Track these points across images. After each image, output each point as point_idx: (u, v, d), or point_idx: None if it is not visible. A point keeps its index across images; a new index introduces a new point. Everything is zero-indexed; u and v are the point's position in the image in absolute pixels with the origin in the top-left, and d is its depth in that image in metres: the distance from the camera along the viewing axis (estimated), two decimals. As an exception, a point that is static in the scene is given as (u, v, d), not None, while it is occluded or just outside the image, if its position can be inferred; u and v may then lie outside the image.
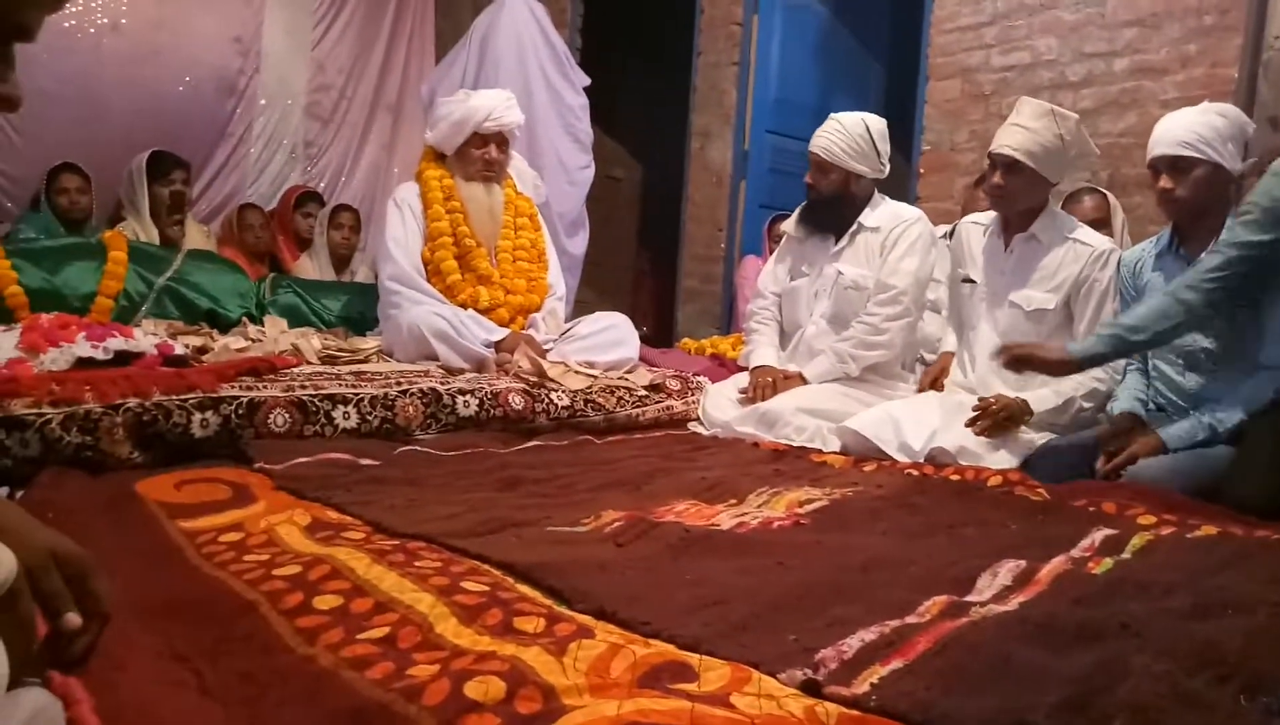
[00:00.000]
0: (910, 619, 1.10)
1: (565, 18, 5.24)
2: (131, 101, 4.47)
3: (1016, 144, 2.37)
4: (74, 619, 0.85)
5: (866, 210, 2.79)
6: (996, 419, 2.24)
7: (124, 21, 4.52)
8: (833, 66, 4.97)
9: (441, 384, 2.29)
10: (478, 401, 2.30)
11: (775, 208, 4.55)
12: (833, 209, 2.79)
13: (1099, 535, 1.53)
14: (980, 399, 2.32)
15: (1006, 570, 1.32)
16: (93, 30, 4.40)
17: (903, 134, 3.68)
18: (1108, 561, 1.39)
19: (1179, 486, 1.85)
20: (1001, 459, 2.18)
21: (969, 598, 1.21)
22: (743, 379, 2.82)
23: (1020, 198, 2.44)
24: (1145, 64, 3.29)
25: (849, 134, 2.72)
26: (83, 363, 1.88)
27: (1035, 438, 2.28)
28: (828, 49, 4.96)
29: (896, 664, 0.96)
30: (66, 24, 4.19)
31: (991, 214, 2.61)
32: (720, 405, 2.71)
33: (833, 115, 2.78)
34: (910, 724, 0.85)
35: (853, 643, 1.00)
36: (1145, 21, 3.29)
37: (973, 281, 2.59)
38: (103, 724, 0.80)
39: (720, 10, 4.78)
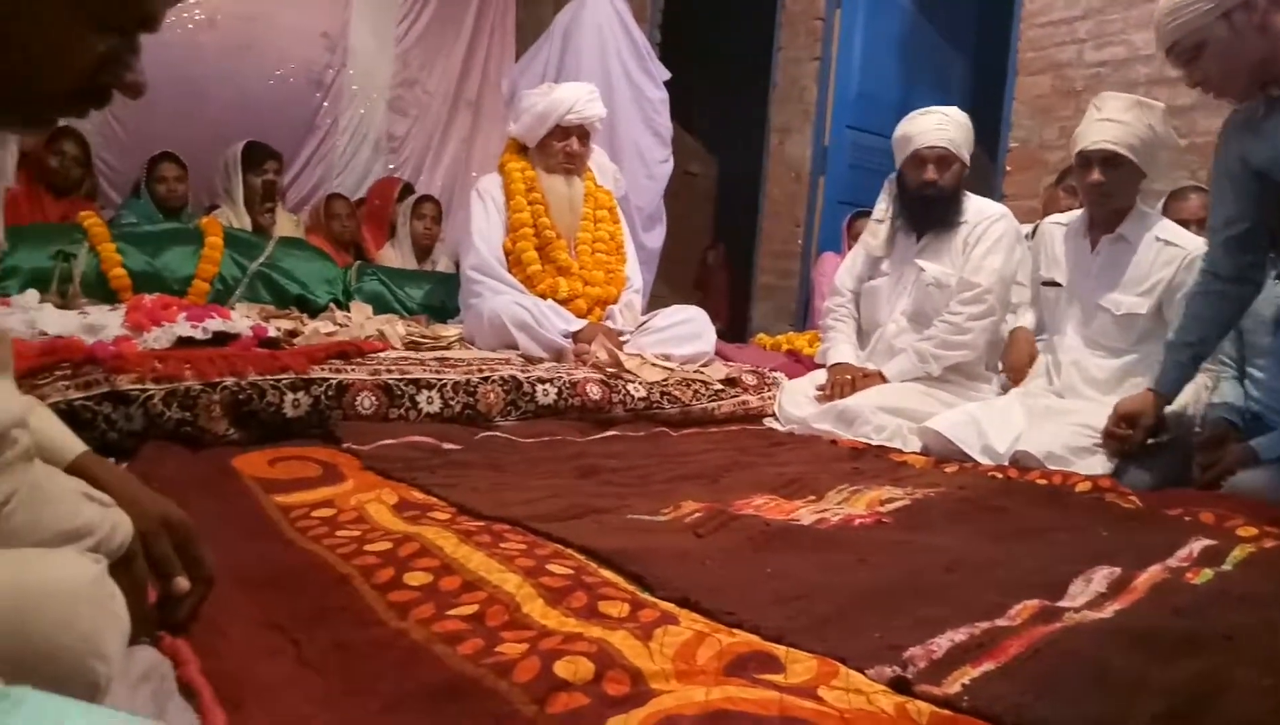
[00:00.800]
0: (1001, 622, 1.07)
1: (646, 12, 5.25)
2: (225, 94, 4.63)
3: (1115, 138, 2.29)
4: (182, 583, 0.89)
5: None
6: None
7: (219, 17, 4.68)
8: (916, 61, 4.88)
9: (521, 372, 2.32)
10: (556, 390, 2.32)
11: (854, 204, 4.49)
12: (951, 204, 2.72)
13: (1197, 545, 1.47)
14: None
15: (1100, 577, 1.28)
16: (191, 25, 4.57)
17: (988, 130, 3.59)
18: (1207, 572, 1.34)
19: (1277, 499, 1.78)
20: (1092, 465, 2.12)
21: (1061, 603, 1.18)
22: (820, 376, 2.79)
23: (1120, 193, 2.36)
24: (1251, 59, 3.15)
25: (961, 125, 2.67)
26: (183, 342, 1.96)
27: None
28: (911, 43, 4.87)
29: (988, 666, 0.95)
30: (166, 19, 4.36)
31: (1074, 214, 2.53)
32: (797, 402, 2.68)
33: (926, 110, 2.71)
34: (1004, 727, 0.83)
35: (942, 642, 0.99)
36: (1252, 15, 3.15)
37: (1057, 284, 2.52)
38: (209, 685, 0.84)
39: (802, 5, 4.73)
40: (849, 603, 1.12)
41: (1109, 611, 1.14)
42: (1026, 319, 2.67)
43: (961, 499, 1.78)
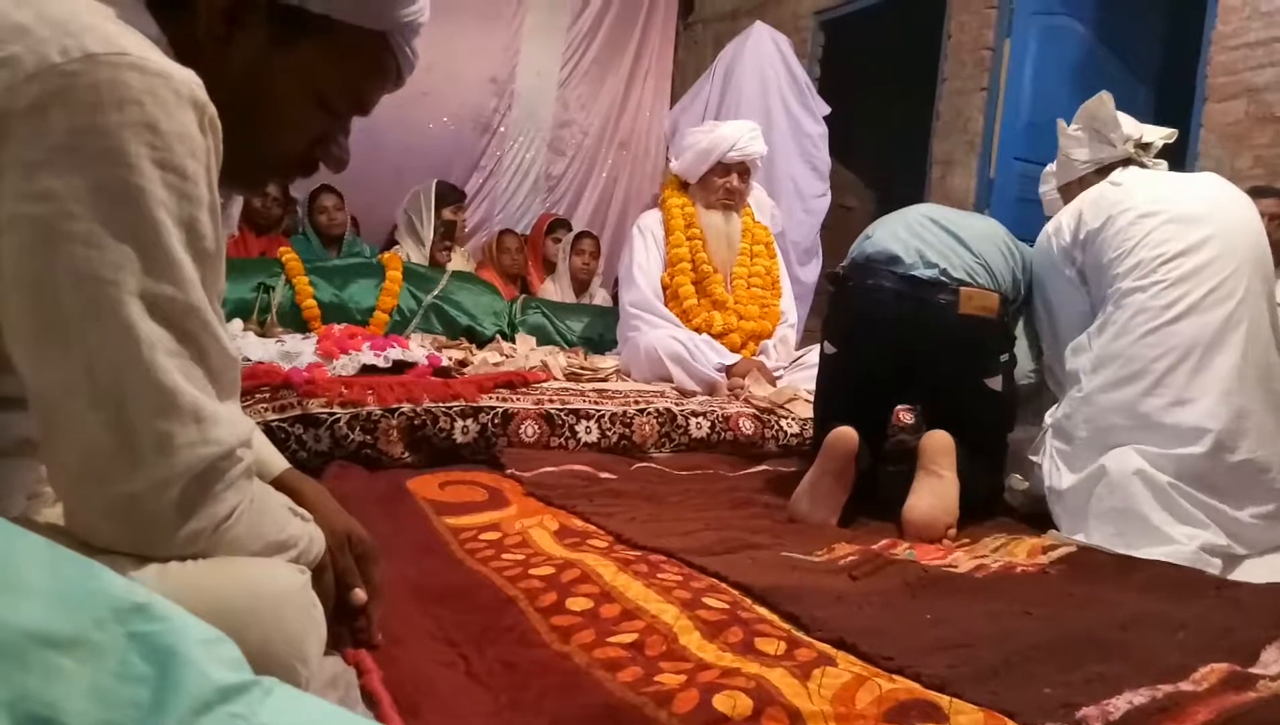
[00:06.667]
0: (1185, 685, 1.01)
1: (806, 48, 5.25)
2: (402, 138, 4.94)
3: None
4: (360, 594, 0.95)
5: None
6: None
7: (402, 66, 5.01)
8: (1093, 89, 4.62)
9: (675, 405, 2.36)
10: (709, 424, 2.34)
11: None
12: None
13: None
14: None
15: (1299, 644, 1.17)
16: (377, 76, 4.92)
17: (1175, 160, 3.37)
18: None
19: None
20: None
21: (1254, 670, 1.09)
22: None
23: None
24: None
25: None
26: (366, 369, 2.11)
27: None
28: (1087, 71, 4.64)
29: (1171, 732, 0.89)
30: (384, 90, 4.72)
31: None
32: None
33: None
34: (1189, 798, 0.78)
35: (1119, 703, 0.94)
36: None
37: None
38: (389, 694, 0.90)
39: (969, 35, 4.61)
40: (1016, 654, 1.08)
41: (1311, 683, 1.04)
42: None
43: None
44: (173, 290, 0.68)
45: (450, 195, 4.13)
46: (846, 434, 1.78)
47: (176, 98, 0.67)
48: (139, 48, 0.67)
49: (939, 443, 1.80)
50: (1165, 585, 1.46)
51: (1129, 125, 2.08)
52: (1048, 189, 2.40)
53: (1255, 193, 2.96)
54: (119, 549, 0.69)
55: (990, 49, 4.51)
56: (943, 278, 1.88)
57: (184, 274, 0.68)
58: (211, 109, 0.70)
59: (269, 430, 1.76)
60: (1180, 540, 1.62)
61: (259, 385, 1.85)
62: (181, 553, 0.71)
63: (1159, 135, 2.09)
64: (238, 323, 2.48)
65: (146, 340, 0.66)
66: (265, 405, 1.82)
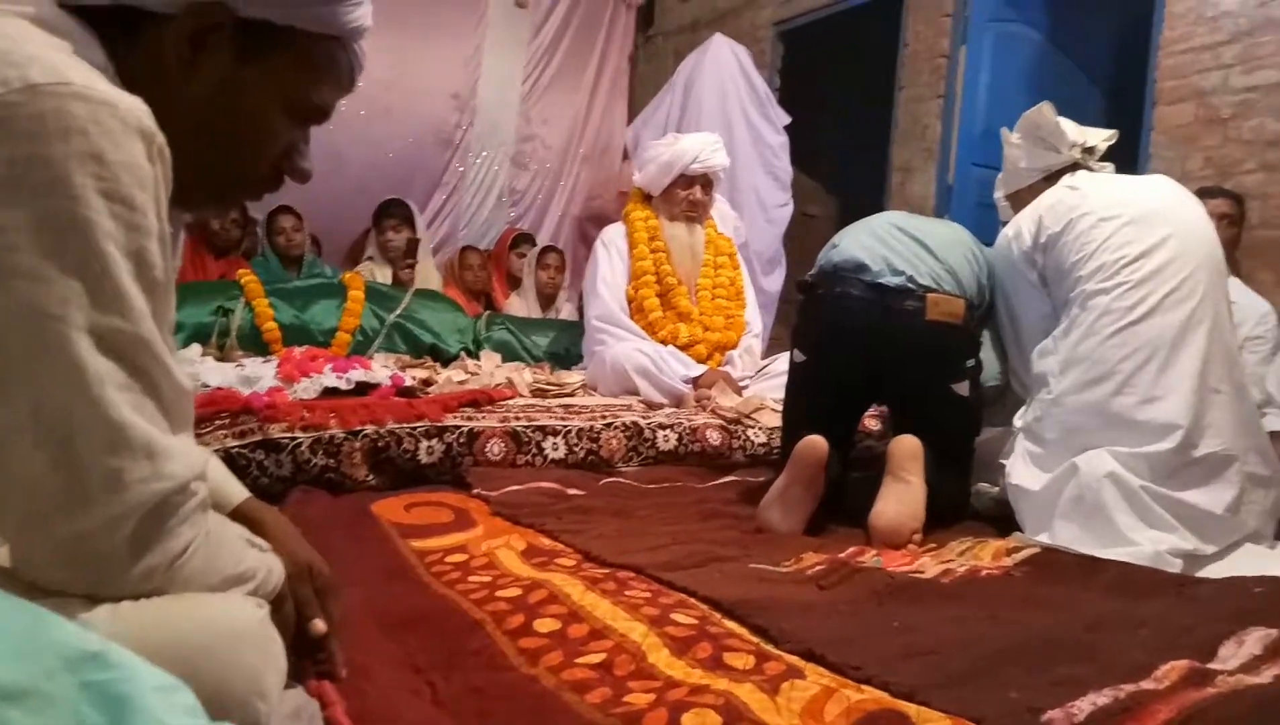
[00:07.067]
0: (1146, 684, 1.02)
1: (766, 58, 5.30)
2: (363, 155, 4.90)
3: None
4: (320, 624, 0.94)
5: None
6: None
7: (361, 84, 4.98)
8: (1046, 94, 4.70)
9: (643, 418, 2.36)
10: (677, 436, 2.34)
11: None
12: None
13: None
14: None
15: (1255, 639, 1.19)
16: (339, 93, 4.89)
17: (1127, 162, 3.44)
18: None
19: None
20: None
21: (1212, 665, 1.11)
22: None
23: None
24: None
25: None
26: (328, 392, 2.08)
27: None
28: (1041, 76, 4.73)
29: (1133, 732, 0.90)
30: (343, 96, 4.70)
31: None
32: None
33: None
34: (1153, 798, 0.79)
35: (1083, 705, 0.95)
36: None
37: None
38: None
39: (925, 44, 4.68)
40: (982, 660, 1.09)
41: (1266, 676, 1.06)
42: None
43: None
44: (122, 323, 0.66)
45: (387, 212, 4.11)
46: (816, 443, 1.79)
47: (123, 127, 0.66)
48: (84, 77, 0.66)
49: (907, 448, 1.82)
50: (1127, 584, 1.49)
51: (1073, 131, 2.12)
52: (999, 195, 2.45)
53: (1205, 193, 3.04)
54: (70, 590, 0.68)
55: (946, 57, 4.58)
56: (909, 285, 1.90)
57: (133, 306, 0.67)
58: (160, 138, 0.69)
59: (229, 457, 1.73)
60: (1142, 543, 1.64)
61: (218, 411, 1.83)
62: (135, 591, 0.70)
63: (1101, 137, 2.14)
64: (196, 347, 2.45)
65: (95, 375, 0.65)
66: (225, 431, 1.79)
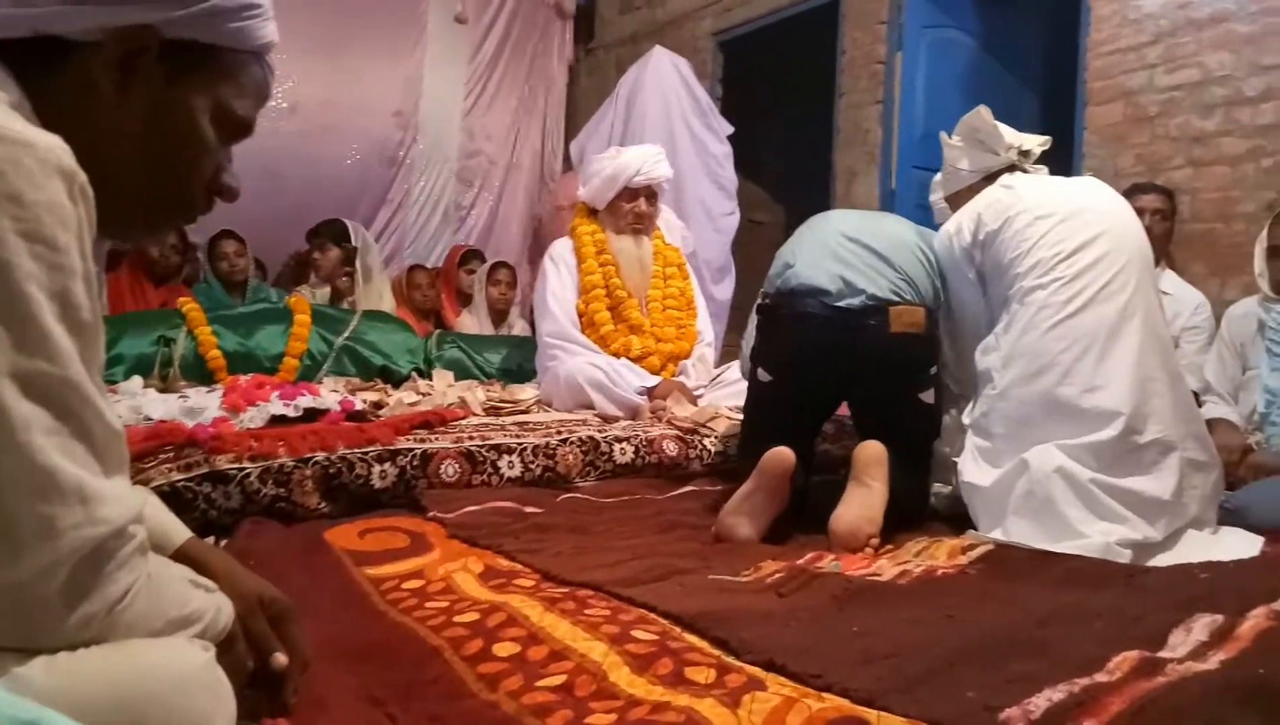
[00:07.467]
0: (1100, 677, 1.04)
1: (707, 69, 5.35)
2: (305, 175, 4.86)
3: None
4: (281, 658, 0.92)
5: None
6: None
7: (299, 102, 4.93)
8: (982, 98, 4.78)
9: (599, 432, 2.35)
10: (634, 448, 2.34)
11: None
12: None
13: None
14: None
15: (1202, 625, 1.22)
16: (272, 113, 4.83)
17: (1062, 161, 3.53)
18: (1319, 616, 1.27)
19: None
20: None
21: (1162, 654, 1.13)
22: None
23: None
24: (1335, 72, 3.05)
25: None
26: (276, 420, 2.04)
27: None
28: (976, 81, 4.84)
29: (1089, 725, 0.92)
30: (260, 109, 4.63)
31: None
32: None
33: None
34: (1109, 791, 0.80)
35: (1039, 702, 0.96)
36: (1332, 26, 3.05)
37: None
38: (311, 762, 0.87)
39: (862, 50, 4.76)
40: (940, 661, 1.10)
41: (1213, 663, 1.09)
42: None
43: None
44: (47, 366, 0.65)
45: (315, 233, 4.07)
46: (784, 454, 1.80)
47: (42, 167, 0.65)
48: (1, 116, 0.65)
49: (871, 454, 1.84)
50: (1079, 577, 1.51)
51: (1010, 135, 2.18)
52: (936, 197, 2.50)
53: (1138, 189, 3.13)
54: (4, 644, 0.65)
55: (883, 63, 4.66)
56: (870, 302, 1.94)
57: (58, 347, 0.65)
58: (82, 176, 0.68)
59: (175, 491, 1.69)
60: (1092, 536, 1.68)
61: (161, 444, 1.78)
62: (73, 641, 0.67)
63: (1037, 142, 2.20)
64: (137, 380, 2.38)
65: (21, 421, 0.63)
66: (169, 465, 1.75)
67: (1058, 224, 1.92)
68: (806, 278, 1.98)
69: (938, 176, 2.54)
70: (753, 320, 2.22)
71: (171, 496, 1.67)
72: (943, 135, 2.31)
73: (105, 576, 0.68)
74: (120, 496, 0.69)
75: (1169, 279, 3.14)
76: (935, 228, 2.28)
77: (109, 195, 0.73)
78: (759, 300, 2.12)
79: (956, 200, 2.25)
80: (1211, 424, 2.71)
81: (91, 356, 0.68)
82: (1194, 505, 1.84)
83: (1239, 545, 1.80)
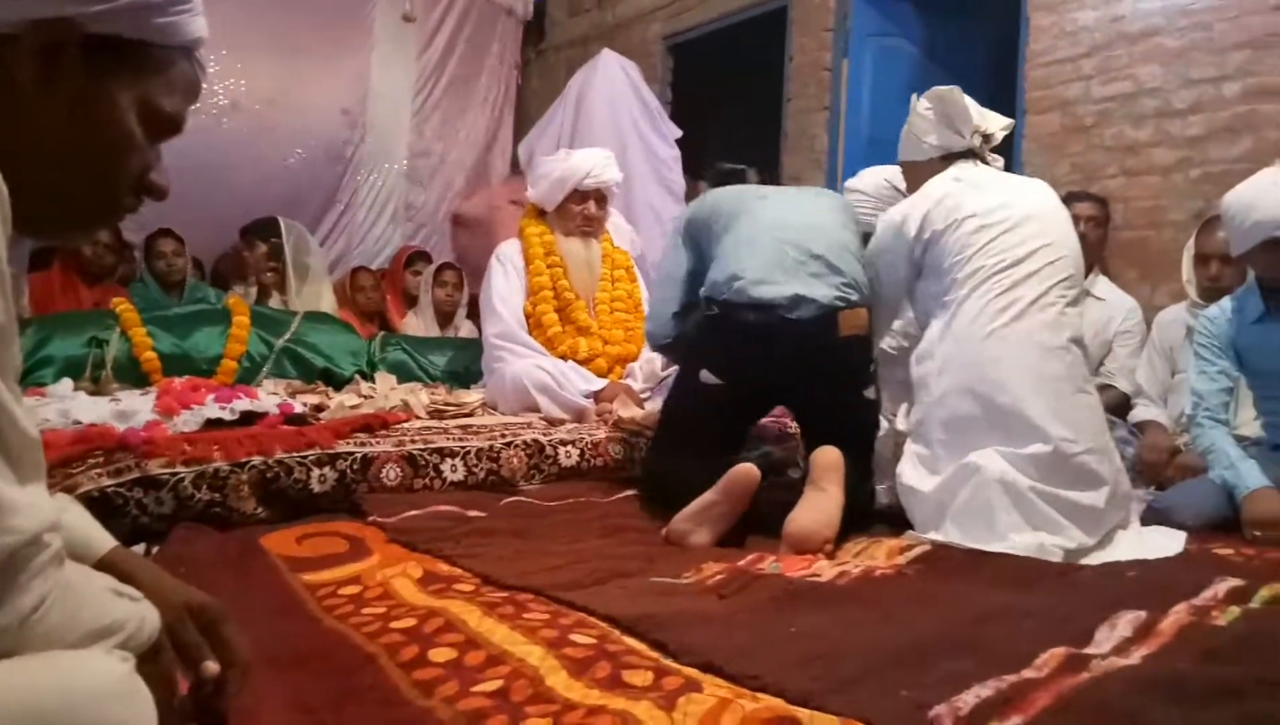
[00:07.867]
0: (1027, 673, 1.06)
1: (656, 73, 5.36)
2: (249, 174, 4.74)
3: None
4: (212, 666, 0.89)
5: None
6: None
7: (241, 100, 4.83)
8: (925, 105, 4.92)
9: (544, 435, 2.34)
10: (579, 452, 2.33)
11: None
12: None
13: (1223, 585, 1.45)
14: None
15: (1126, 622, 1.26)
16: (215, 110, 4.72)
17: (1003, 168, 3.60)
18: (1234, 610, 1.32)
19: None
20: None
21: (1088, 650, 1.16)
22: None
23: None
24: (1260, 87, 3.16)
25: None
26: (211, 423, 2.00)
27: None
28: (920, 88, 4.90)
29: (1015, 721, 0.94)
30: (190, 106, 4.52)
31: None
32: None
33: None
34: (1032, 786, 0.82)
35: (968, 698, 0.98)
36: (1257, 43, 3.16)
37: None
38: (240, 773, 0.85)
39: (809, 56, 4.81)
40: (875, 660, 1.12)
41: (1136, 657, 1.12)
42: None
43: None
44: None
45: (243, 234, 4.00)
46: (750, 472, 1.82)
47: None
48: None
49: (828, 459, 1.86)
50: (1013, 577, 1.55)
51: (976, 116, 2.18)
52: (854, 196, 2.52)
53: (1073, 197, 3.21)
54: (-89, 656, 0.63)
55: (829, 70, 4.72)
56: (820, 311, 1.97)
57: None
58: None
59: (104, 497, 1.65)
60: (1019, 543, 1.72)
61: (90, 449, 1.73)
62: (-17, 653, 0.65)
63: (999, 125, 2.21)
64: (67, 383, 2.31)
65: None
66: (99, 470, 1.70)
67: (1002, 234, 1.96)
68: (758, 293, 2.00)
69: (852, 181, 2.59)
70: (669, 302, 2.31)
71: (100, 502, 1.63)
72: (914, 97, 2.32)
73: (18, 587, 0.65)
74: (34, 504, 0.67)
75: (1103, 284, 3.22)
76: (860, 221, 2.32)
77: (31, 194, 0.71)
78: (706, 308, 2.13)
79: (911, 170, 2.26)
80: (1142, 425, 2.79)
81: (6, 361, 0.66)
82: (1119, 510, 1.90)
83: (1165, 543, 1.85)
